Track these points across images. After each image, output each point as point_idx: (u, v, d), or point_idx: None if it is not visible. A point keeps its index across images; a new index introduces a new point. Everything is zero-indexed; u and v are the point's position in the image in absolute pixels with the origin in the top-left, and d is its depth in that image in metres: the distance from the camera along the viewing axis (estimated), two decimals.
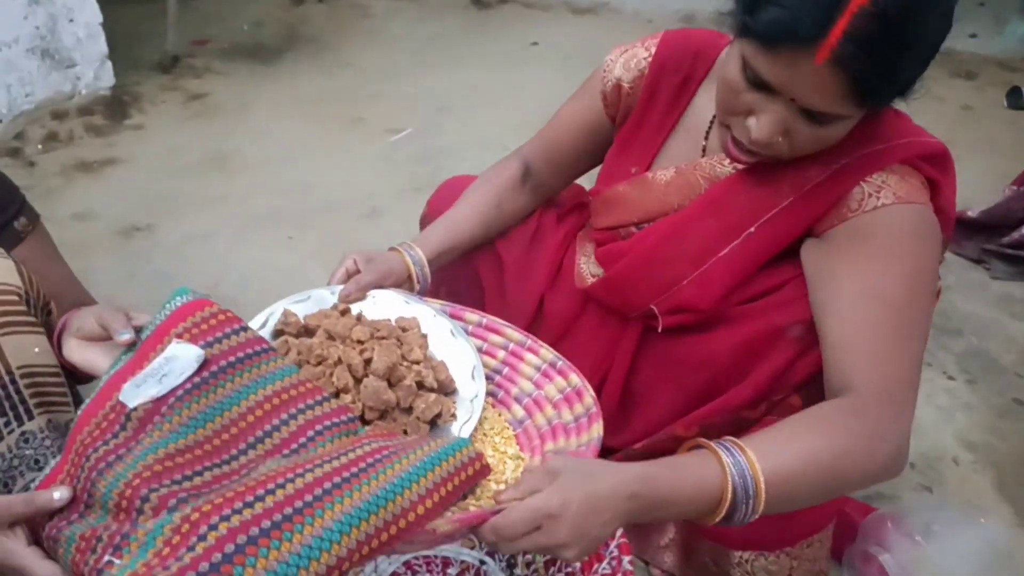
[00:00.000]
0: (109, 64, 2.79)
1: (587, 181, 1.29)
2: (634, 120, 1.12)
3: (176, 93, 2.98)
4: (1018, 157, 2.49)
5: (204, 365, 0.85)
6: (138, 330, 0.91)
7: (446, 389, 0.96)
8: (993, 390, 1.72)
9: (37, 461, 0.98)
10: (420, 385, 0.94)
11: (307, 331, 1.01)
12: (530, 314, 1.22)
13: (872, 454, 0.83)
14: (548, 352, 1.01)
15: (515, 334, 1.05)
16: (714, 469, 0.78)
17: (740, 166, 0.99)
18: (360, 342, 0.96)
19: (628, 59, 1.13)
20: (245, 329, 0.90)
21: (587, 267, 1.19)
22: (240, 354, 0.87)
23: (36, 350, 0.97)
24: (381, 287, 1.09)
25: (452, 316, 1.07)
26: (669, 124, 1.10)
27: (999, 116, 3.03)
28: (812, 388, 0.96)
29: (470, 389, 0.97)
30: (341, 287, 1.09)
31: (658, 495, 0.76)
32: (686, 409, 1.05)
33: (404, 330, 1.01)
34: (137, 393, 0.82)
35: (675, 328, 1.05)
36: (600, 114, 1.17)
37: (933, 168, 0.95)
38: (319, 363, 0.94)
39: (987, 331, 1.90)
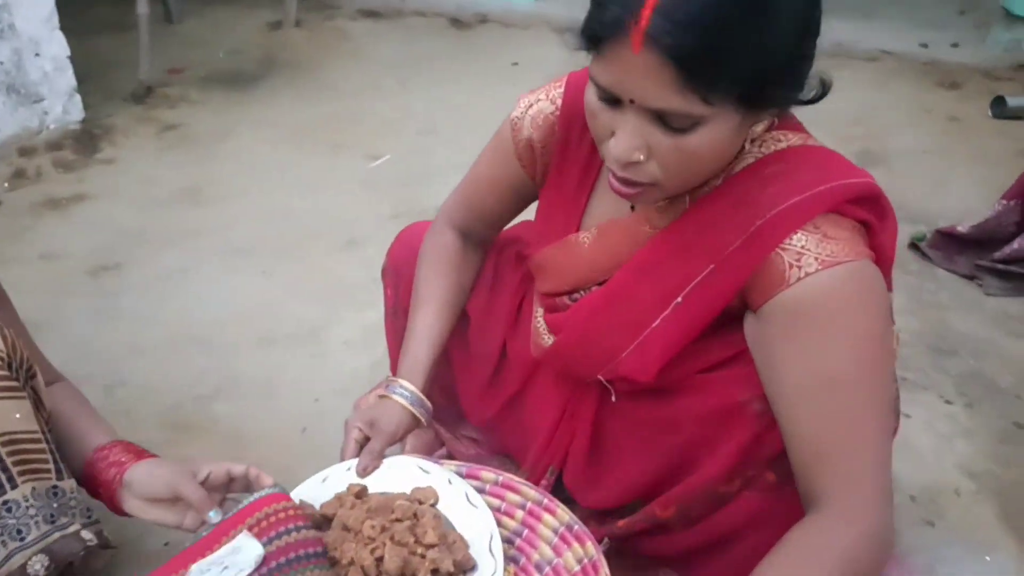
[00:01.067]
0: (78, 97, 2.73)
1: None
2: (553, 179, 1.06)
3: (149, 124, 2.92)
4: (1007, 168, 2.45)
5: (263, 562, 0.94)
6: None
7: (464, 568, 0.96)
8: (993, 413, 1.67)
9: (20, 531, 0.97)
10: (435, 572, 0.95)
11: (326, 520, 1.04)
12: (494, 360, 1.18)
13: (871, 561, 0.82)
14: (564, 513, 1.02)
15: (532, 492, 1.06)
16: None
17: (651, 226, 0.94)
18: (371, 539, 0.98)
19: (535, 116, 1.05)
20: (307, 527, 0.99)
21: (542, 323, 1.14)
22: (291, 555, 0.95)
23: (17, 415, 0.96)
24: (393, 443, 1.10)
25: (468, 476, 1.08)
26: (590, 180, 1.03)
27: (986, 126, 3.01)
28: (785, 462, 0.91)
29: (488, 564, 0.97)
30: (355, 460, 1.10)
31: None
32: (658, 470, 1.01)
33: (420, 503, 1.03)
34: None
35: (635, 393, 1.01)
36: (519, 173, 1.11)
37: (863, 210, 0.86)
38: (333, 564, 0.97)
39: (984, 351, 1.85)
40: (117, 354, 1.77)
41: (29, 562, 0.95)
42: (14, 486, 0.95)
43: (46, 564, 0.96)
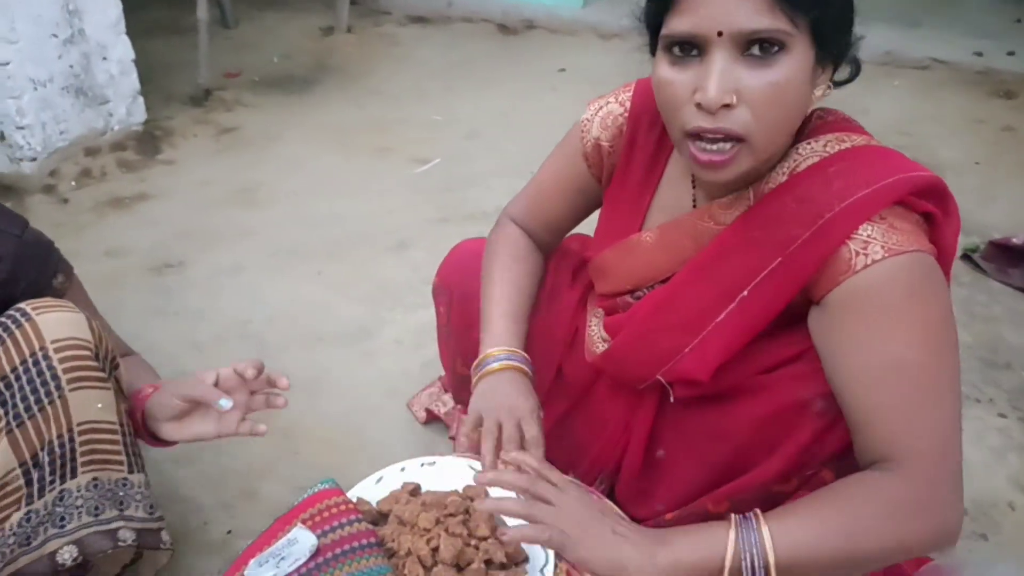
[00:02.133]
0: (141, 100, 2.83)
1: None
2: (618, 179, 1.08)
3: (207, 127, 3.01)
4: None
5: (317, 552, 0.97)
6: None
7: (516, 560, 0.98)
8: None
9: (63, 519, 0.99)
10: (489, 563, 0.97)
11: (382, 516, 1.07)
12: (548, 381, 1.19)
13: (908, 527, 0.81)
14: (609, 505, 1.04)
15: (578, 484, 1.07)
16: (719, 540, 0.83)
17: (715, 222, 0.95)
18: (427, 530, 1.00)
19: (604, 117, 1.09)
20: (360, 520, 1.01)
21: (598, 331, 1.15)
22: (346, 546, 0.98)
23: (99, 405, 1.00)
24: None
25: None
26: (654, 180, 1.05)
27: None
28: (844, 461, 0.92)
29: (539, 557, 0.99)
30: (411, 461, 1.13)
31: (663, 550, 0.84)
32: (711, 480, 1.01)
33: (471, 500, 1.04)
34: (259, 572, 0.96)
35: (693, 399, 1.01)
36: (586, 174, 1.13)
37: (929, 202, 0.88)
38: (391, 555, 1.00)
39: None
40: (176, 349, 1.83)
41: (59, 551, 0.98)
42: (74, 476, 0.99)
43: (74, 555, 0.98)
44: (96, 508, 1.00)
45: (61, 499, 0.99)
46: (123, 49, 2.72)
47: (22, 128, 2.46)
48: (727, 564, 0.82)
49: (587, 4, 4.15)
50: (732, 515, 0.85)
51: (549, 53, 3.74)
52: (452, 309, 1.31)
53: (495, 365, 1.10)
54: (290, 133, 2.97)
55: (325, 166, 2.74)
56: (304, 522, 1.02)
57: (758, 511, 0.84)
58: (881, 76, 3.49)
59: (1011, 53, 3.65)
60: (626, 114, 1.07)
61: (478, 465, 1.10)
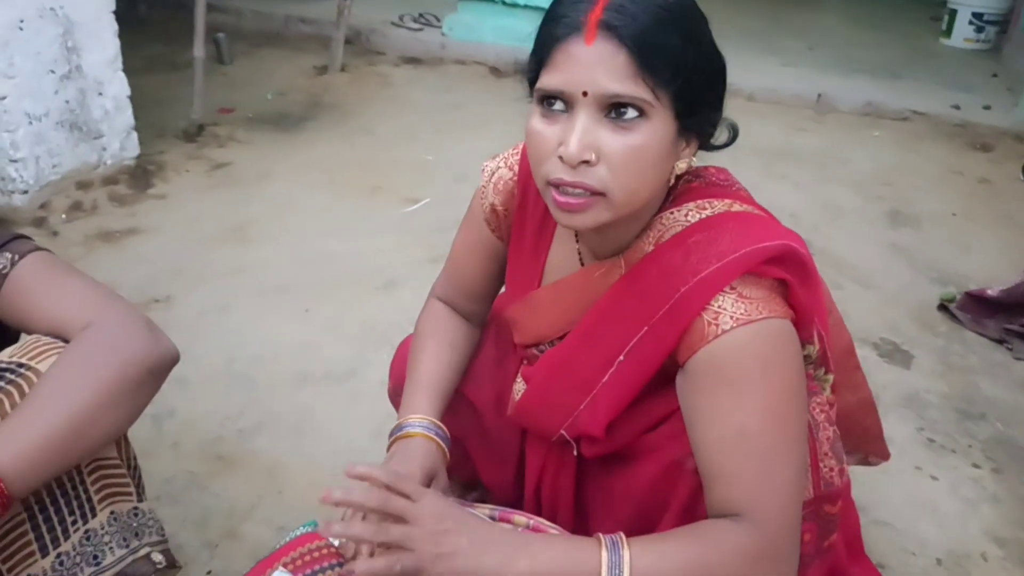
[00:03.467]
0: (135, 134, 2.86)
1: None
2: (515, 239, 1.14)
3: (200, 162, 3.04)
4: None
5: None
6: None
7: None
8: (1021, 479, 1.67)
9: (96, 556, 1.03)
10: None
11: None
12: (516, 441, 1.22)
13: (749, 572, 0.86)
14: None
15: (559, 534, 1.07)
16: (589, 558, 0.86)
17: (600, 284, 1.00)
18: None
19: (496, 182, 1.14)
20: (341, 564, 1.01)
21: (519, 383, 1.18)
22: None
23: None
24: (425, 480, 1.07)
25: (501, 519, 1.10)
26: (547, 238, 1.11)
27: (1017, 189, 3.03)
28: None
29: None
30: None
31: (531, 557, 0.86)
32: (630, 533, 1.01)
33: None
34: None
35: (601, 457, 1.06)
36: (491, 238, 1.17)
37: (780, 269, 0.92)
38: None
39: (1012, 416, 1.86)
40: (165, 385, 1.83)
41: None
42: (94, 515, 1.01)
43: None
44: (124, 540, 1.03)
45: (88, 538, 1.01)
46: (119, 85, 2.76)
47: (15, 161, 2.48)
48: None
49: None
50: (600, 535, 0.88)
51: None
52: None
53: (407, 431, 1.11)
54: (281, 170, 3.01)
55: (316, 204, 2.77)
56: (286, 566, 1.02)
57: (623, 534, 0.88)
58: (862, 127, 3.59)
59: (987, 107, 3.76)
60: (515, 177, 1.12)
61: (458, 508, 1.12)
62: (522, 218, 1.12)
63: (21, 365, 0.94)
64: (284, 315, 2.14)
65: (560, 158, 0.87)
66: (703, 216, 0.96)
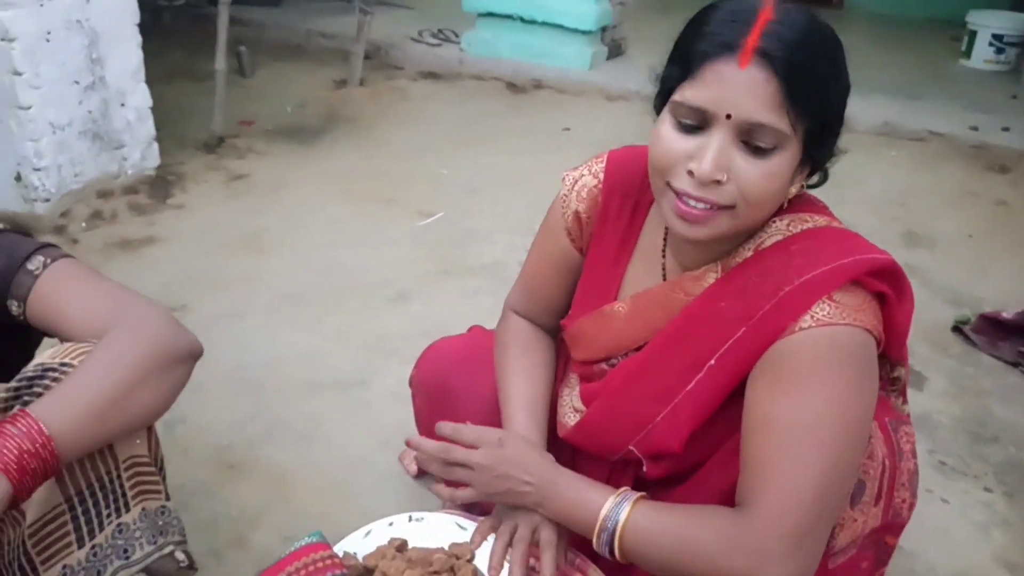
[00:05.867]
0: (156, 145, 2.91)
1: None
2: (594, 249, 1.13)
3: (219, 173, 3.08)
4: None
5: None
6: None
7: None
8: None
9: (126, 551, 1.05)
10: None
11: (368, 571, 1.08)
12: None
13: (725, 562, 0.88)
14: (595, 573, 1.06)
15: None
16: (594, 506, 0.96)
17: (685, 293, 1.00)
18: None
19: (580, 188, 1.13)
20: (345, 575, 1.04)
21: (569, 401, 1.16)
22: None
23: (137, 441, 1.05)
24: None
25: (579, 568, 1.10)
26: (627, 252, 1.10)
27: None
28: None
29: None
30: (397, 516, 1.15)
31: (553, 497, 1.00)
32: None
33: (457, 558, 1.06)
34: None
35: (664, 480, 1.04)
36: (570, 250, 1.16)
37: (882, 282, 0.93)
38: None
39: None
40: None
41: None
42: (128, 509, 1.04)
43: None
44: (152, 536, 1.06)
45: (120, 532, 1.04)
46: (141, 97, 2.81)
47: (39, 170, 2.53)
48: (596, 526, 0.96)
49: (594, 66, 4.27)
50: (621, 491, 0.97)
51: (555, 112, 3.83)
52: (428, 404, 1.35)
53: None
54: (298, 181, 3.04)
55: (330, 215, 2.80)
56: (289, 575, 1.04)
57: (638, 495, 0.96)
58: (880, 146, 3.57)
59: (1006, 128, 3.73)
60: (600, 185, 1.12)
61: (466, 523, 1.12)
62: (603, 228, 1.12)
63: (64, 364, 0.99)
64: (296, 324, 2.16)
65: (690, 172, 0.88)
66: (805, 227, 0.97)
